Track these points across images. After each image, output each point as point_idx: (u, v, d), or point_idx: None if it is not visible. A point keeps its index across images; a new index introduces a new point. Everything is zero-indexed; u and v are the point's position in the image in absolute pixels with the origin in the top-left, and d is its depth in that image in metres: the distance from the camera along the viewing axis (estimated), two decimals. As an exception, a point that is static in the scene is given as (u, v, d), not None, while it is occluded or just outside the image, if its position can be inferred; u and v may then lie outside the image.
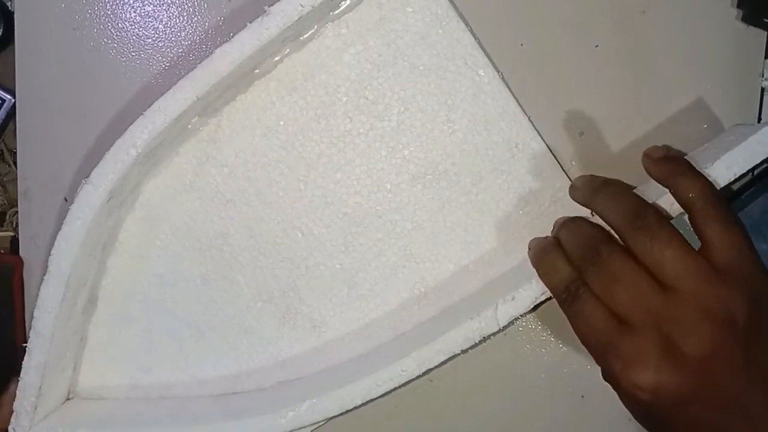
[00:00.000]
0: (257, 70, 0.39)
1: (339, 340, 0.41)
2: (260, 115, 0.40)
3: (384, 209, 0.41)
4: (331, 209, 0.41)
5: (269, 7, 0.36)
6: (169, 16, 0.41)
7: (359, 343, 0.41)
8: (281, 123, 0.40)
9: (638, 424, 0.32)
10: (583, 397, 0.43)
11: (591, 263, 0.32)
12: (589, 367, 0.42)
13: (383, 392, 0.37)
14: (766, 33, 0.40)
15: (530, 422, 0.43)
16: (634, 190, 0.36)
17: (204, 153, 0.40)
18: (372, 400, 0.37)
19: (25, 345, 0.37)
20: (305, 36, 0.39)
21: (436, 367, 0.37)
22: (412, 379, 0.37)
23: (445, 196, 0.40)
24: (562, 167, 0.40)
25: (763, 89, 0.41)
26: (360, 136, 0.40)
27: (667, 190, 0.34)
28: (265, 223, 0.41)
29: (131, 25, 0.41)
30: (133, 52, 0.41)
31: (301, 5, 0.35)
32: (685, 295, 0.30)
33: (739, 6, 0.40)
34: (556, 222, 0.37)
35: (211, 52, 0.36)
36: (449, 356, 0.37)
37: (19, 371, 0.37)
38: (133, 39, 0.41)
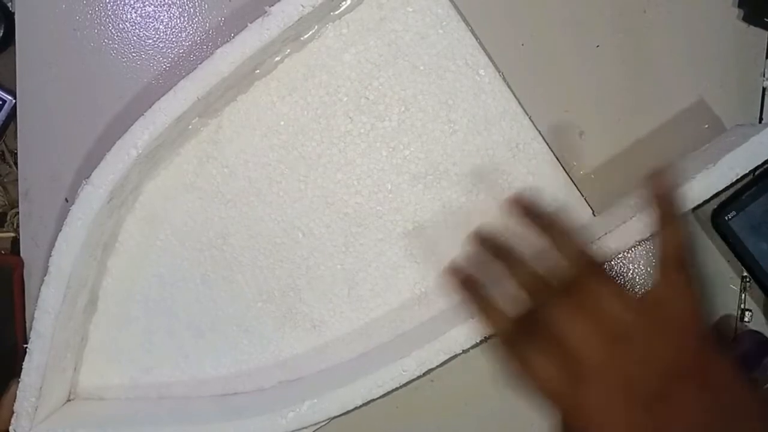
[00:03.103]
0: (258, 71, 0.39)
1: (339, 340, 0.41)
2: (261, 116, 0.40)
3: (385, 209, 0.41)
4: (332, 209, 0.41)
5: (270, 7, 0.36)
6: (170, 17, 0.41)
7: (359, 343, 0.41)
8: (282, 123, 0.40)
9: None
10: (584, 397, 0.42)
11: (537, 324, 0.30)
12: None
13: (384, 392, 0.37)
14: (766, 33, 0.40)
15: (531, 422, 0.43)
16: (634, 195, 0.36)
17: (204, 153, 0.40)
18: (373, 401, 0.37)
19: (25, 346, 0.37)
20: (306, 36, 0.39)
21: (437, 367, 0.37)
22: (413, 379, 0.37)
23: (446, 196, 0.40)
24: (562, 167, 0.40)
25: (764, 89, 0.41)
26: (360, 137, 0.40)
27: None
28: (266, 223, 0.41)
29: (132, 26, 0.41)
30: (133, 52, 0.41)
31: (302, 5, 0.35)
32: (636, 347, 0.29)
33: (739, 6, 0.40)
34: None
35: (212, 53, 0.36)
36: (450, 356, 0.37)
37: (20, 372, 0.37)
38: (133, 40, 0.41)
